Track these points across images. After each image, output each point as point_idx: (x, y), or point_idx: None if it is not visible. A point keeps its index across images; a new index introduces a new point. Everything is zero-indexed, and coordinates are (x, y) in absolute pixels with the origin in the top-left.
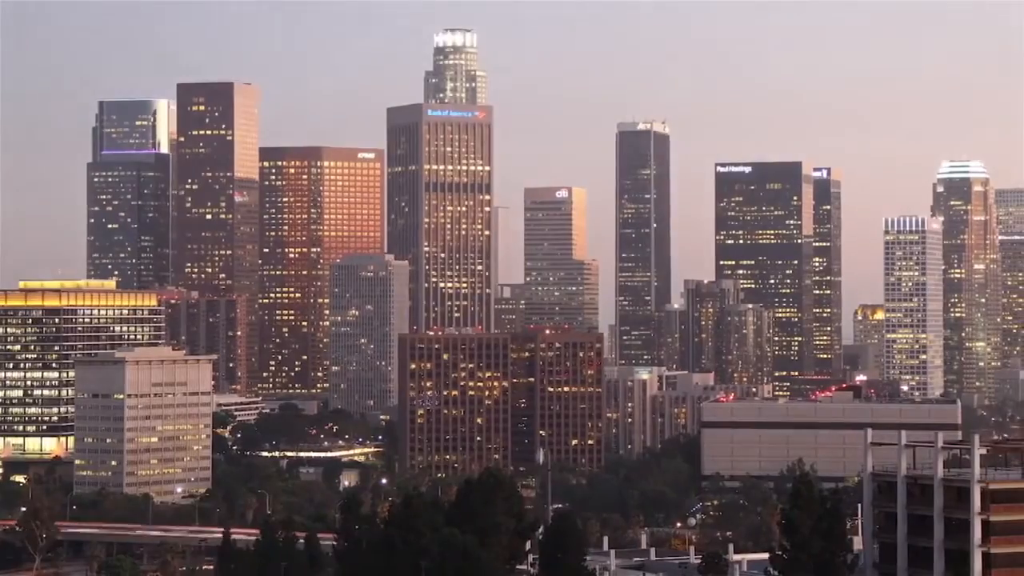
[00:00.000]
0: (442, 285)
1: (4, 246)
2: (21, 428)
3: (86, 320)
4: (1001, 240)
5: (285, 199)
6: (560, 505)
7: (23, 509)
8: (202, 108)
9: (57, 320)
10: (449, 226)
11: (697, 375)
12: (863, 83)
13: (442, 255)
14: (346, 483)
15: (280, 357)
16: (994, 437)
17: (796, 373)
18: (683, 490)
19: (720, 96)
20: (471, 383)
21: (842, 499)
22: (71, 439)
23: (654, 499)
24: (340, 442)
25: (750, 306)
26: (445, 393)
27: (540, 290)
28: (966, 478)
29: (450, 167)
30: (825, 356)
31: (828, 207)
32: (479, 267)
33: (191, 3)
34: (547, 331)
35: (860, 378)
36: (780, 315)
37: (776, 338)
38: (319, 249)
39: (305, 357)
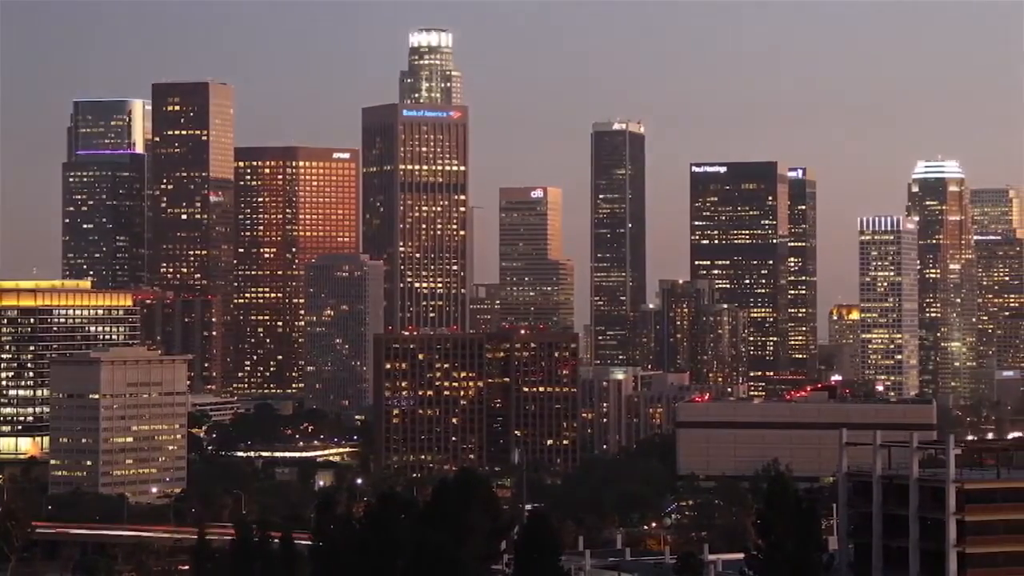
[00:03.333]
0: (417, 285)
1: None
2: None
3: (61, 320)
4: (976, 240)
5: (260, 199)
6: (535, 505)
7: None
8: (177, 108)
9: (32, 320)
10: (424, 226)
11: (672, 375)
12: (838, 83)
13: (417, 255)
14: (321, 483)
15: (255, 357)
16: (969, 437)
17: (771, 373)
18: (658, 490)
19: (695, 96)
20: (446, 383)
21: (817, 499)
22: (46, 439)
23: (629, 499)
24: (315, 442)
25: (725, 306)
26: (420, 393)
27: (515, 290)
28: (941, 478)
29: (425, 167)
30: (800, 356)
31: (803, 207)
32: (454, 267)
33: (166, 3)
34: (522, 331)
35: (835, 378)
36: (755, 315)
37: (751, 338)
38: (294, 249)
39: (280, 357)
